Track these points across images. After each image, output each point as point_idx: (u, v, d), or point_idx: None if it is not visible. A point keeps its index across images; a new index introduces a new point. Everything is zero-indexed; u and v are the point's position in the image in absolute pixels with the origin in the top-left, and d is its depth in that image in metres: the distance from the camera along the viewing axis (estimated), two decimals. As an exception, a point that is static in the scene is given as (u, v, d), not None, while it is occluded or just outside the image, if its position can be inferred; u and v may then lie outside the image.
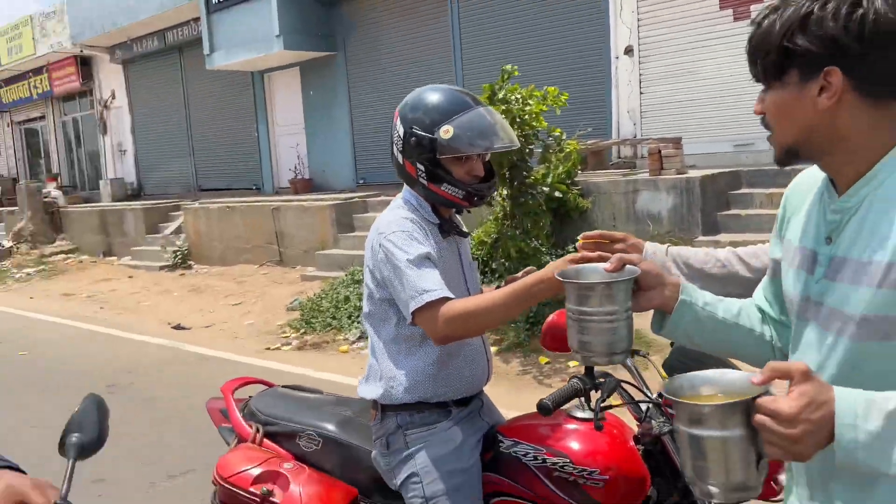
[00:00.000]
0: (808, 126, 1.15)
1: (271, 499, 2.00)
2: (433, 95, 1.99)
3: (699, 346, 1.41)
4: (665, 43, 8.92)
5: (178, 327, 8.53)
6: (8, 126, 22.51)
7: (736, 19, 8.26)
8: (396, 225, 1.92)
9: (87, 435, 1.39)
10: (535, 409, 1.71)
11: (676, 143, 7.47)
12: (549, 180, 6.98)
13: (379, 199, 10.72)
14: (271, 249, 11.21)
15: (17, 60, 19.11)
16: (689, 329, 1.37)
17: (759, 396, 1.01)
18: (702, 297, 1.37)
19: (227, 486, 2.07)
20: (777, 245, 1.34)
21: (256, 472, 2.06)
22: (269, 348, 7.31)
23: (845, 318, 1.12)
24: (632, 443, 1.87)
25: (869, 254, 1.10)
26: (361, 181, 12.87)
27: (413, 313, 1.83)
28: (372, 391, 2.00)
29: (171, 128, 16.59)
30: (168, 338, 8.02)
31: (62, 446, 1.39)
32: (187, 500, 3.91)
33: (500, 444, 1.97)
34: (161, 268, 12.34)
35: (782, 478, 1.85)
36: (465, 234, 2.11)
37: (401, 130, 1.99)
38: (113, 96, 17.97)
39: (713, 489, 1.04)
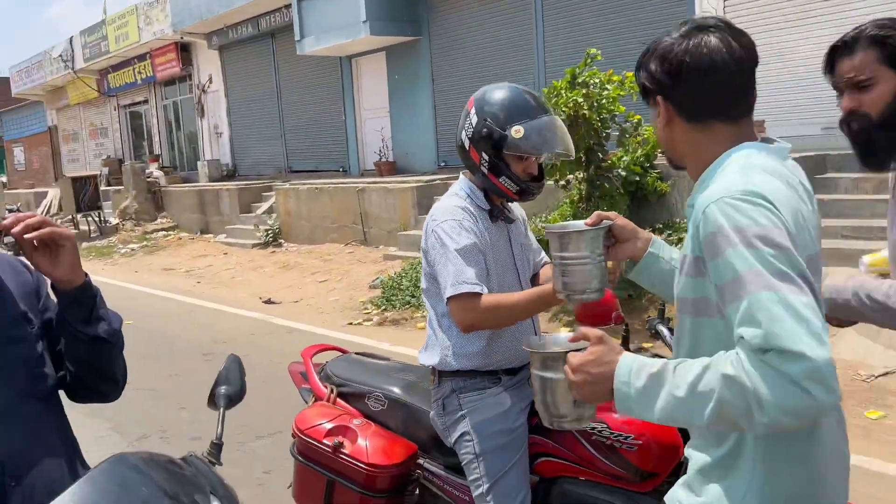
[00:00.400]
0: (663, 142, 1.48)
1: (342, 450, 2.26)
2: (511, 95, 2.16)
3: (660, 293, 1.72)
4: (752, 23, 8.72)
5: (268, 302, 9.03)
6: (114, 109, 23.88)
7: (828, -2, 8.01)
8: (449, 213, 2.13)
9: (232, 387, 1.68)
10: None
11: (759, 126, 7.35)
12: (626, 164, 7.02)
13: (460, 181, 10.93)
14: (356, 229, 11.63)
15: (124, 47, 20.26)
16: (654, 277, 1.69)
17: (572, 351, 1.35)
18: (668, 253, 1.69)
19: (303, 437, 2.35)
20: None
21: (329, 426, 2.33)
22: (351, 323, 7.68)
23: (677, 300, 1.43)
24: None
25: (685, 249, 1.38)
26: (443, 164, 13.12)
27: (448, 299, 2.06)
28: (430, 358, 2.22)
29: (264, 111, 17.27)
30: (259, 311, 8.53)
31: (212, 398, 1.68)
32: (273, 459, 4.26)
33: (546, 411, 2.16)
34: (253, 245, 12.98)
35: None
36: (511, 221, 2.29)
37: (474, 119, 2.18)
38: (210, 81, 18.83)
39: (545, 417, 1.44)
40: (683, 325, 1.41)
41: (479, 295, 2.03)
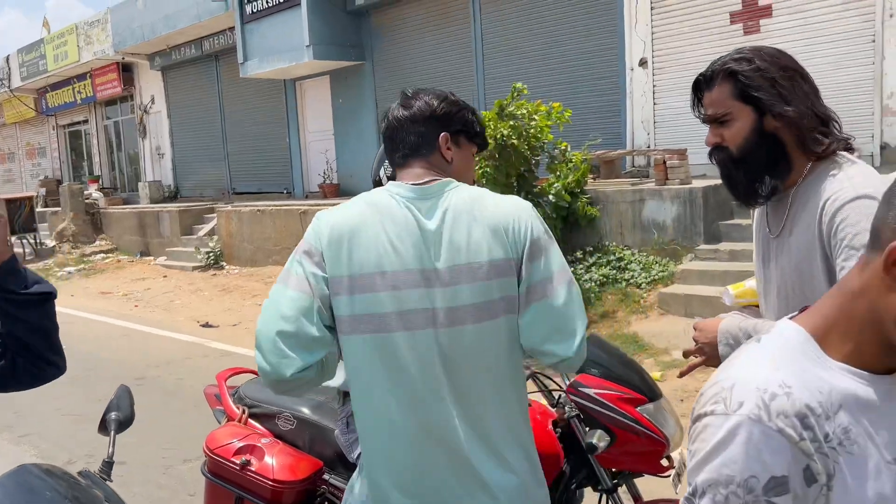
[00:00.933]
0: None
1: (249, 467, 2.36)
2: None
3: None
4: (678, 55, 9.14)
5: (206, 325, 9.00)
6: (53, 129, 23.44)
7: (746, 33, 8.46)
8: None
9: (123, 413, 1.81)
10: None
11: (682, 153, 7.70)
12: (557, 189, 7.28)
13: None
14: (298, 252, 11.65)
15: (63, 66, 19.95)
16: None
17: None
18: None
19: (213, 456, 2.44)
20: None
21: (238, 444, 2.43)
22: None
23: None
24: (550, 426, 2.19)
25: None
26: (387, 186, 13.25)
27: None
28: (336, 380, 2.34)
29: (207, 132, 17.20)
30: (196, 335, 8.50)
31: (103, 423, 1.81)
32: (198, 482, 4.28)
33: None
34: (194, 268, 12.89)
35: (675, 455, 2.16)
36: None
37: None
38: (152, 101, 18.67)
39: None
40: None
41: None
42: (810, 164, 1.61)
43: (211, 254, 12.99)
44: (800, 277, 1.60)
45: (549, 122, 6.44)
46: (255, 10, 13.43)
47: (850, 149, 1.64)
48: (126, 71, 18.94)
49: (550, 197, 7.01)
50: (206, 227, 14.00)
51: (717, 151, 1.68)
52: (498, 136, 6.16)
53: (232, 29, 14.55)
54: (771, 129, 1.60)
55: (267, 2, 13.13)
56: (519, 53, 10.90)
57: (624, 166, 9.58)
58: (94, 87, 19.96)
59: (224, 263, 12.84)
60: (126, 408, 1.87)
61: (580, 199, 7.69)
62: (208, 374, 6.80)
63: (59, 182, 22.28)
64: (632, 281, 7.21)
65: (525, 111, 6.35)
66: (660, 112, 9.42)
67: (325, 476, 2.42)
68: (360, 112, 13.61)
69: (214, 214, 13.72)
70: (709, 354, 1.72)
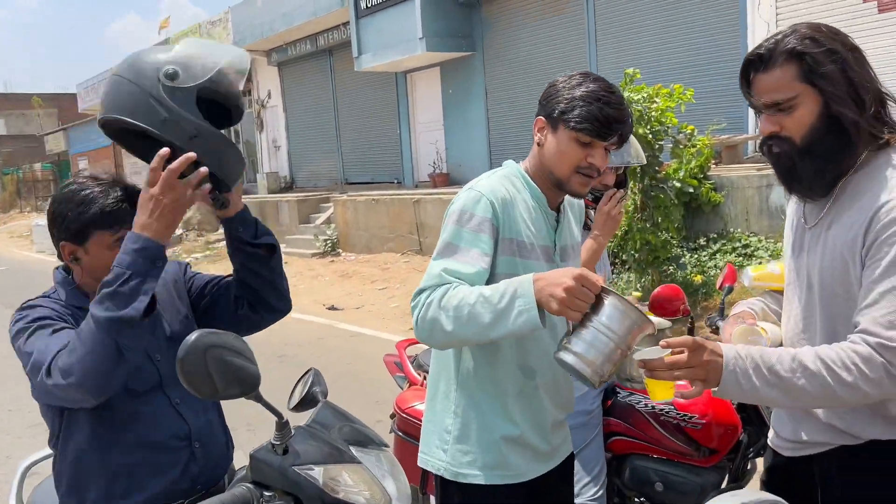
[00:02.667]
0: None
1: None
2: None
3: None
4: (805, 36, 8.84)
5: (331, 308, 9.45)
6: (177, 124, 24.82)
7: (881, 10, 8.11)
8: None
9: (322, 388, 1.95)
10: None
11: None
12: (681, 175, 7.23)
13: (514, 192, 11.24)
14: (412, 239, 12.00)
15: (187, 65, 21.07)
16: None
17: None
18: None
19: (404, 415, 2.68)
20: (492, 243, 1.75)
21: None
22: (412, 328, 8.02)
23: None
24: (728, 396, 2.30)
25: (573, 238, 1.91)
26: (496, 175, 13.41)
27: None
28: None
29: (321, 125, 17.85)
30: (324, 317, 8.94)
31: (309, 398, 1.93)
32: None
33: (618, 395, 2.45)
34: (313, 255, 13.46)
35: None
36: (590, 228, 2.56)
37: None
38: (269, 96, 19.52)
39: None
40: None
41: None
42: (865, 154, 1.50)
43: (328, 241, 13.53)
44: (832, 273, 1.52)
45: (671, 104, 6.41)
46: (369, 5, 13.84)
47: None
48: (244, 67, 19.84)
49: (675, 182, 6.98)
50: (323, 216, 14.57)
51: (777, 142, 1.53)
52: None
53: (346, 24, 15.04)
54: (836, 114, 1.46)
55: (381, -4, 13.51)
56: (634, 39, 10.80)
57: (746, 151, 9.37)
58: (214, 84, 21.00)
59: (340, 250, 13.35)
60: (324, 384, 2.01)
61: (704, 184, 7.61)
62: (341, 353, 7.20)
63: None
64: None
65: (644, 95, 6.34)
66: (784, 95, 9.14)
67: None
68: (470, 102, 13.81)
69: (331, 204, 14.27)
70: (708, 381, 1.47)
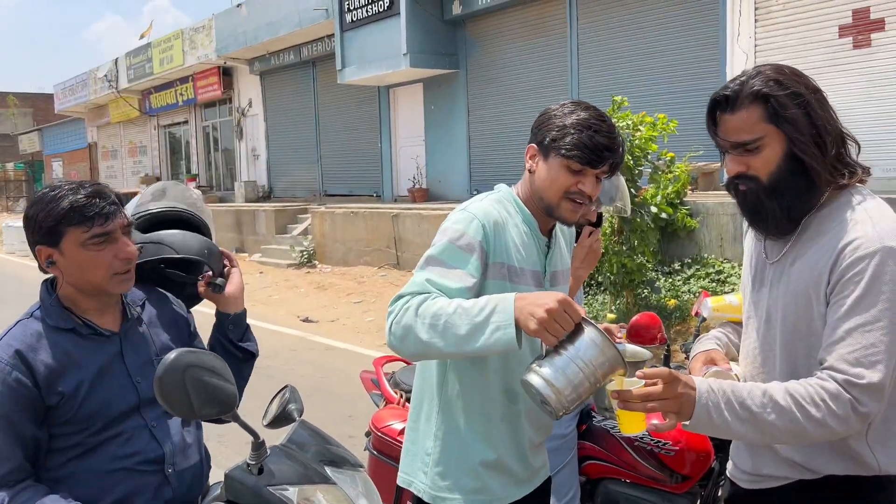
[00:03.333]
0: None
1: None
2: None
3: None
4: (782, 68, 9.04)
5: (306, 320, 9.41)
6: (154, 129, 24.66)
7: (855, 47, 8.31)
8: None
9: (298, 405, 1.95)
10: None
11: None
12: (658, 200, 7.33)
13: (492, 210, 11.31)
14: (389, 253, 12.01)
15: (168, 70, 21.01)
16: None
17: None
18: None
19: (379, 434, 2.68)
20: (480, 265, 1.75)
21: (401, 426, 2.65)
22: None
23: None
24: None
25: (563, 264, 1.92)
26: (475, 191, 13.38)
27: None
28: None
29: (301, 135, 17.83)
30: (299, 329, 8.90)
31: (283, 416, 1.92)
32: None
33: (593, 419, 2.48)
34: (288, 265, 13.41)
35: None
36: None
37: None
38: (250, 105, 19.47)
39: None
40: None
41: None
42: (828, 192, 1.53)
43: (305, 252, 13.49)
44: (795, 310, 1.53)
45: (654, 133, 6.51)
46: (354, 19, 13.90)
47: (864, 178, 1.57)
48: (226, 75, 19.81)
49: (652, 208, 7.07)
50: (301, 227, 14.52)
51: (744, 181, 1.56)
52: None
53: (330, 36, 15.07)
54: (800, 155, 1.50)
55: (367, 11, 13.57)
56: (616, 64, 10.96)
57: (722, 178, 9.52)
58: (195, 90, 20.94)
59: (317, 262, 13.30)
60: (300, 401, 2.01)
61: (680, 210, 7.72)
62: (315, 366, 7.17)
63: (158, 179, 23.41)
64: (732, 294, 7.19)
65: (630, 122, 6.44)
66: (760, 125, 9.32)
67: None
68: (452, 119, 13.89)
69: (308, 215, 14.23)
70: (681, 414, 1.46)
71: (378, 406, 2.96)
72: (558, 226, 1.93)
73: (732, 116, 1.52)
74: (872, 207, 1.50)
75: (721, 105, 1.54)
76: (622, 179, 2.49)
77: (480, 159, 13.44)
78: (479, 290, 1.73)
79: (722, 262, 7.65)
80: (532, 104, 12.01)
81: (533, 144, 1.84)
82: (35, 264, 1.73)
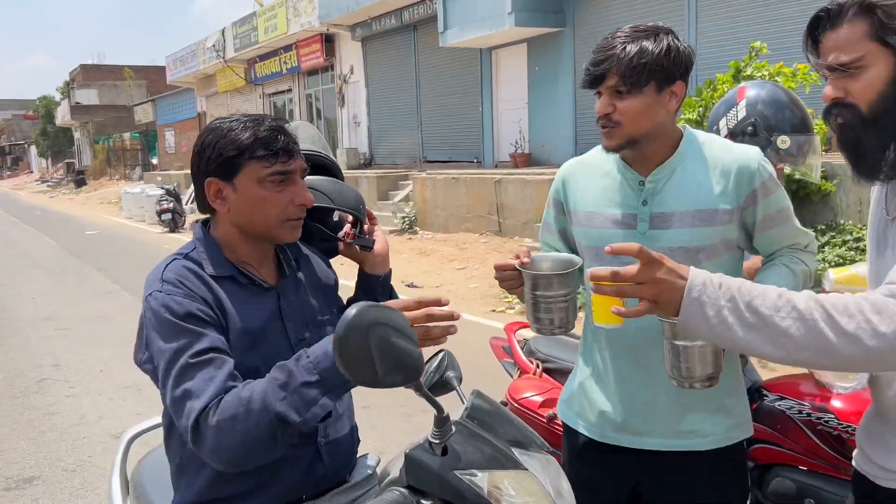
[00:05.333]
0: (658, 122, 1.63)
1: (556, 421, 2.36)
2: (786, 101, 2.23)
3: None
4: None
5: (411, 285, 9.32)
6: (259, 98, 25.20)
7: None
8: None
9: (457, 372, 1.75)
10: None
11: None
12: (790, 160, 6.76)
13: (600, 174, 10.88)
14: (491, 220, 11.77)
15: (272, 38, 21.32)
16: None
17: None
18: None
19: (517, 405, 2.47)
20: (559, 216, 1.88)
21: (541, 398, 2.43)
22: (494, 310, 7.81)
23: (674, 251, 1.60)
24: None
25: (685, 205, 1.66)
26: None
27: None
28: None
29: (402, 102, 17.74)
30: (405, 294, 8.78)
31: (442, 382, 1.74)
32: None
33: (765, 398, 2.17)
34: (391, 231, 13.39)
35: None
36: None
37: (741, 113, 2.24)
38: (351, 71, 19.52)
39: (679, 380, 1.46)
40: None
41: None
42: None
43: (406, 219, 13.43)
44: None
45: (793, 85, 5.95)
46: (457, -21, 13.58)
47: None
48: (328, 42, 19.92)
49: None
50: (402, 193, 14.48)
51: (842, 109, 1.31)
52: (738, 101, 5.79)
53: (433, -1, 14.82)
54: None
55: (470, -30, 13.22)
56: (737, 16, 10.22)
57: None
58: (298, 58, 21.18)
59: (418, 228, 13.23)
60: (458, 368, 1.80)
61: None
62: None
63: (264, 147, 23.95)
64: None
65: (766, 73, 5.91)
66: None
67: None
68: (557, 80, 13.42)
69: (410, 181, 14.15)
70: (660, 304, 1.24)
71: (511, 375, 2.75)
72: (692, 157, 1.70)
73: (833, 33, 1.30)
74: None
75: (823, 21, 1.32)
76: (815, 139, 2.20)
77: (587, 123, 12.93)
78: (566, 236, 1.88)
79: (861, 230, 7.00)
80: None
81: None
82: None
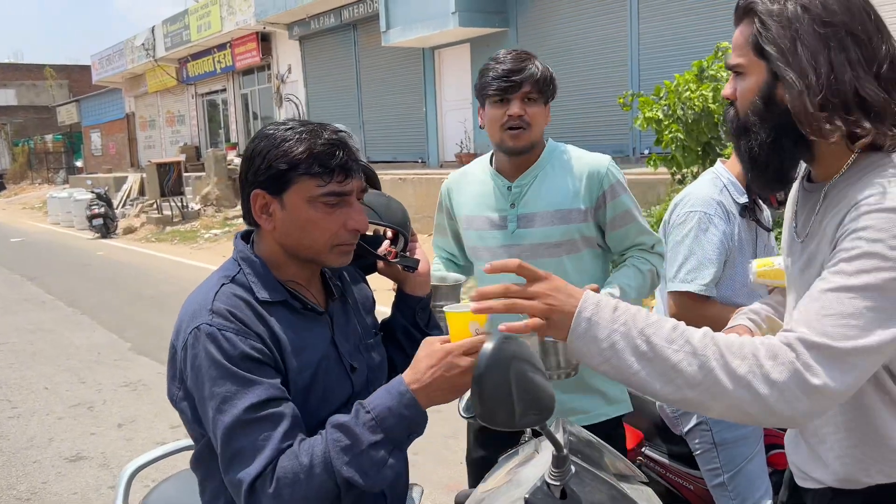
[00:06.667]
0: (542, 131, 2.04)
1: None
2: None
3: None
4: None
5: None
6: (192, 98, 24.48)
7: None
8: (700, 205, 2.12)
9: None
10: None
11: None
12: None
13: (548, 174, 10.94)
14: (441, 220, 11.69)
15: (205, 37, 20.73)
16: None
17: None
18: None
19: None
20: (451, 221, 2.19)
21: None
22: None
23: (538, 248, 1.95)
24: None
25: (546, 206, 1.95)
26: (527, 156, 13.09)
27: (670, 293, 2.10)
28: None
29: (343, 102, 17.48)
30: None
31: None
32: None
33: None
34: (337, 233, 13.18)
35: None
36: (767, 229, 2.25)
37: None
38: (289, 71, 19.13)
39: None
40: (546, 266, 1.42)
41: (704, 298, 2.08)
42: (854, 157, 1.18)
43: (353, 220, 13.23)
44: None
45: (747, 87, 6.08)
46: (399, -22, 13.44)
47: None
48: (264, 41, 19.48)
49: (737, 167, 6.65)
50: (347, 194, 14.26)
51: (730, 109, 1.29)
52: (697, 99, 5.86)
53: (374, -3, 14.63)
54: (782, 100, 1.17)
55: (413, -32, 13.10)
56: (678, 13, 10.39)
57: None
58: (233, 57, 20.66)
59: (365, 230, 13.04)
60: None
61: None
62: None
63: (197, 149, 23.32)
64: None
65: (725, 74, 6.00)
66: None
67: (643, 448, 2.32)
68: (502, 80, 13.42)
69: (355, 182, 13.94)
70: (553, 320, 1.15)
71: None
72: (552, 165, 1.99)
73: (737, 31, 1.27)
74: None
75: (736, 12, 1.29)
76: None
77: (532, 122, 12.99)
78: (458, 238, 2.17)
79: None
80: (588, 62, 11.52)
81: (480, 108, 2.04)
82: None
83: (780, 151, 1.21)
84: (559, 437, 1.13)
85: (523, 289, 1.14)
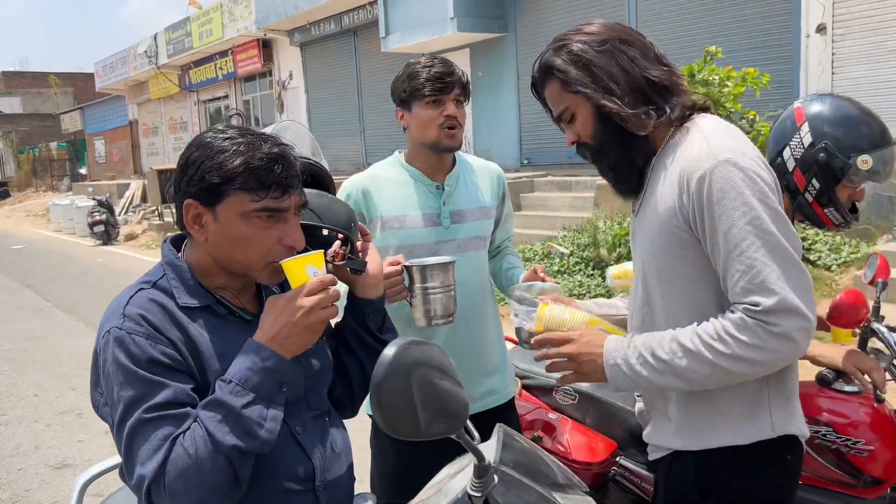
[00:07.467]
0: None
1: (541, 443, 2.25)
2: (856, 115, 1.89)
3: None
4: (863, 19, 8.41)
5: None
6: (195, 104, 24.53)
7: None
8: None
9: None
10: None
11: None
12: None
13: (546, 178, 10.89)
14: (440, 225, 11.65)
15: (207, 44, 20.78)
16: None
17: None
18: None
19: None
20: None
21: (526, 418, 2.31)
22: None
23: (471, 240, 2.14)
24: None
25: (471, 203, 2.16)
26: (526, 161, 13.05)
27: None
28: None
29: (344, 107, 17.48)
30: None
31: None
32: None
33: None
34: (336, 239, 13.15)
35: None
36: None
37: (807, 139, 1.88)
38: (290, 77, 19.16)
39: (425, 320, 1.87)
40: (472, 259, 2.19)
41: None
42: (671, 132, 1.47)
43: (352, 226, 13.21)
44: (654, 255, 1.46)
45: (741, 90, 6.01)
46: (398, -16, 13.43)
47: (705, 109, 1.50)
48: (266, 47, 19.51)
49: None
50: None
51: (582, 148, 1.57)
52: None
53: (373, 3, 14.62)
54: (612, 113, 1.45)
55: (411, -26, 13.10)
56: (677, 22, 10.37)
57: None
58: (234, 64, 20.70)
59: (364, 236, 13.02)
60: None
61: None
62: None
63: (200, 155, 23.31)
64: (819, 263, 6.72)
65: (717, 77, 5.95)
66: (839, 83, 8.71)
67: (618, 458, 2.27)
68: (501, 85, 13.40)
69: (354, 187, 13.93)
70: (585, 375, 1.49)
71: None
72: (465, 168, 2.19)
73: (546, 93, 1.56)
74: (706, 124, 1.44)
75: (536, 86, 1.59)
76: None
77: (532, 128, 12.95)
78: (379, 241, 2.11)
79: (804, 229, 7.14)
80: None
81: (398, 108, 2.14)
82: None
83: (631, 155, 1.49)
84: (494, 445, 1.08)
85: (560, 351, 1.47)
